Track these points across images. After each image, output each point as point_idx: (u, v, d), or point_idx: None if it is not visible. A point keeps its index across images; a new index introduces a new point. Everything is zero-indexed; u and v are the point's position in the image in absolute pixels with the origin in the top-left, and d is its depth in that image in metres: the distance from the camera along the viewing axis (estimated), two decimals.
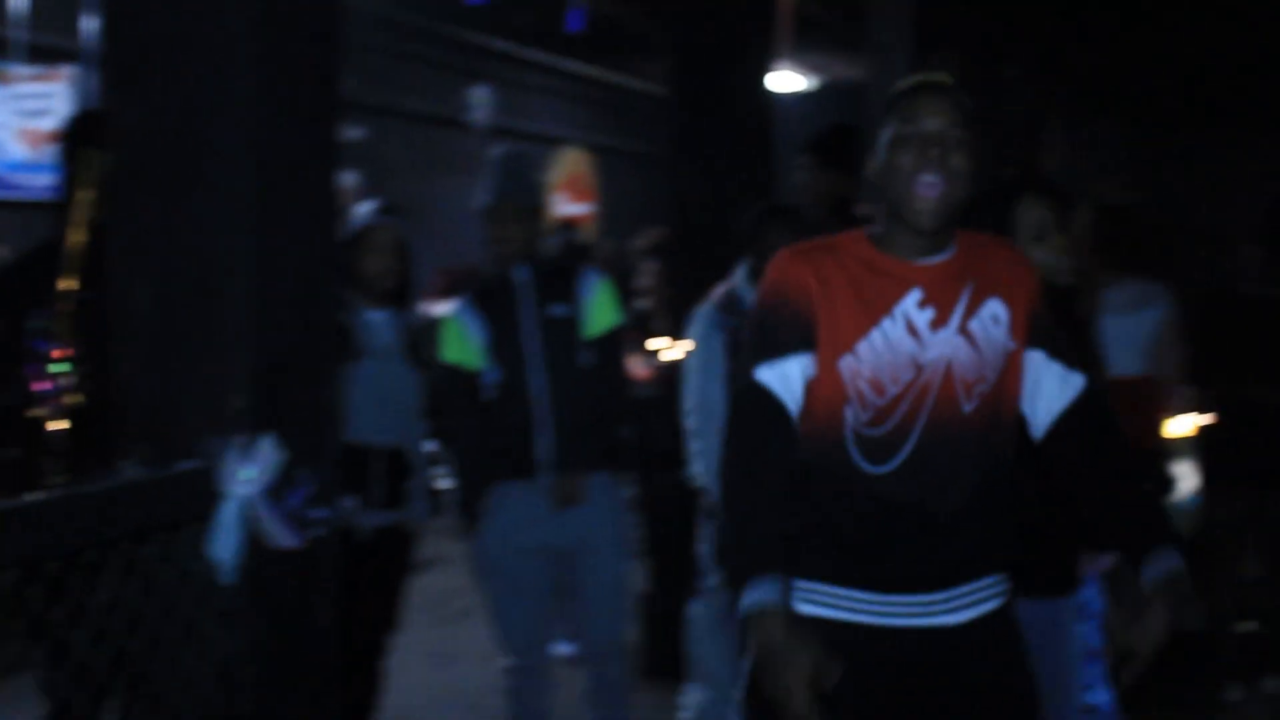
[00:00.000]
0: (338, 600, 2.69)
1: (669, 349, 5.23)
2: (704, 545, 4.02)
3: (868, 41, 8.14)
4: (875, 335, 2.21)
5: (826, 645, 2.06)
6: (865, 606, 2.24)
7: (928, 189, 2.19)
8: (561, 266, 3.83)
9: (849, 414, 2.21)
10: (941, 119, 2.21)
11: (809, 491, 2.24)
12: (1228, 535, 4.51)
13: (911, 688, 2.26)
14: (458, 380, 3.73)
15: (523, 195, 3.75)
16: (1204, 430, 4.42)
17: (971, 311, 2.25)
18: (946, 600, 2.24)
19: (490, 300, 3.74)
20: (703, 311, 3.95)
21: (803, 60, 11.40)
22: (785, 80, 10.15)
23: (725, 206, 5.06)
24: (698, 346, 3.90)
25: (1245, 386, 4.49)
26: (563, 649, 5.02)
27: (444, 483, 4.08)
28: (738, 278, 3.95)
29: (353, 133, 10.67)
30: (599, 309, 3.76)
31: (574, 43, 11.78)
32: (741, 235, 3.95)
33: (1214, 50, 9.83)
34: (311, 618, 2.60)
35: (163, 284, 2.53)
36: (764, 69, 5.35)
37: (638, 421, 4.62)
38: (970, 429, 2.23)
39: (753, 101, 5.24)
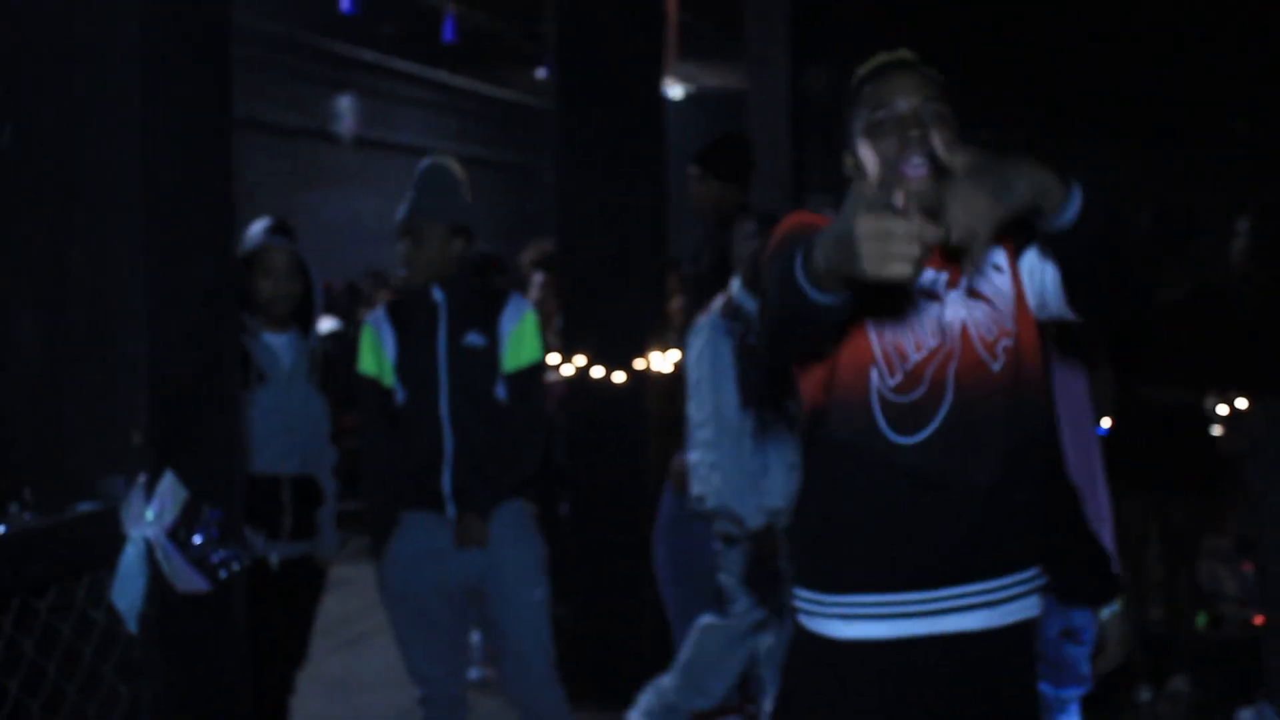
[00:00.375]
0: (248, 640, 2.55)
1: (559, 365, 5.14)
2: (726, 575, 3.93)
3: (745, 51, 8.16)
4: (897, 295, 2.10)
5: (874, 672, 2.03)
6: (911, 608, 2.08)
7: (916, 170, 2.05)
8: (483, 292, 3.64)
9: (875, 378, 2.10)
10: (915, 97, 2.09)
11: (838, 481, 2.13)
12: (1131, 539, 4.57)
13: (944, 702, 2.12)
14: (369, 394, 3.56)
15: (440, 211, 3.56)
16: (1106, 434, 4.46)
17: (978, 270, 2.14)
18: (992, 592, 2.09)
19: (406, 316, 3.56)
20: (706, 322, 3.88)
21: (676, 69, 11.40)
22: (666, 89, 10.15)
23: (616, 216, 4.99)
24: (704, 357, 3.83)
25: (1144, 390, 4.55)
26: (473, 675, 4.90)
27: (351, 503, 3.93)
28: (734, 287, 3.93)
29: None
30: (520, 343, 3.56)
31: (443, 53, 11.62)
32: (726, 248, 3.94)
33: (1098, 64, 10.05)
34: (222, 664, 2.45)
35: (49, 313, 2.36)
36: (654, 77, 5.29)
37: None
38: (1001, 390, 2.10)
39: (643, 109, 5.17)
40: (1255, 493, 4.54)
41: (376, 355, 3.54)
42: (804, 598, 2.19)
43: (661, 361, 4.96)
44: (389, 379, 3.53)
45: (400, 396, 3.52)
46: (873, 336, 2.11)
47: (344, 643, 5.83)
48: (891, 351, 2.09)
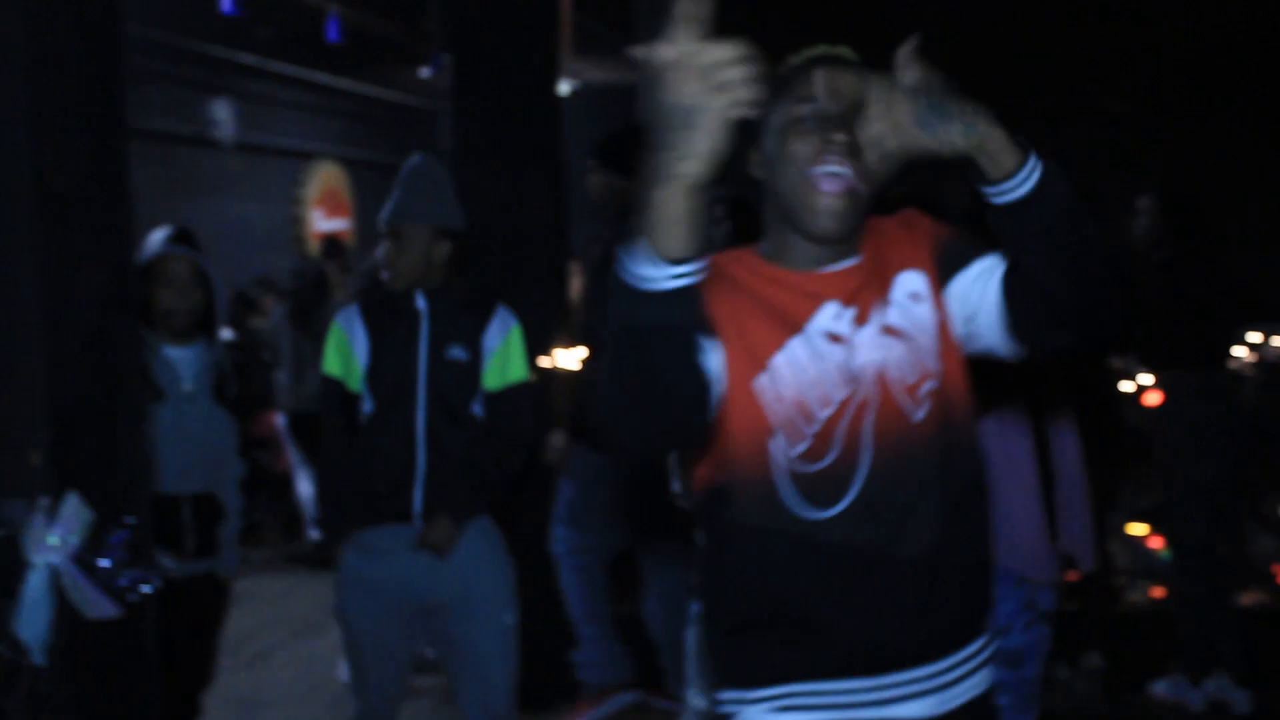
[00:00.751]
0: (158, 664, 2.45)
1: None
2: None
3: (636, 46, 8.11)
4: (795, 345, 1.80)
5: None
6: (850, 697, 1.81)
7: (831, 182, 1.78)
8: (469, 302, 3.38)
9: (776, 448, 1.78)
10: (848, 98, 1.79)
11: (752, 565, 1.81)
12: None
13: None
14: (333, 396, 3.32)
15: (424, 212, 3.33)
16: None
17: (887, 299, 1.85)
18: (938, 675, 1.83)
19: (383, 320, 3.32)
20: None
21: (567, 66, 11.35)
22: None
23: (513, 212, 4.93)
24: None
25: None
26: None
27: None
28: None
29: None
30: (506, 360, 3.34)
31: (325, 54, 11.44)
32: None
33: (976, 47, 10.19)
34: (134, 691, 2.36)
35: None
36: (550, 71, 5.24)
37: None
38: (926, 443, 1.80)
39: (540, 106, 5.12)
40: (1166, 468, 4.62)
41: (344, 357, 3.32)
42: (729, 699, 1.89)
43: (567, 359, 4.91)
44: (356, 384, 3.31)
45: (369, 406, 3.30)
46: (767, 397, 1.79)
47: (250, 659, 5.69)
48: (793, 413, 1.79)
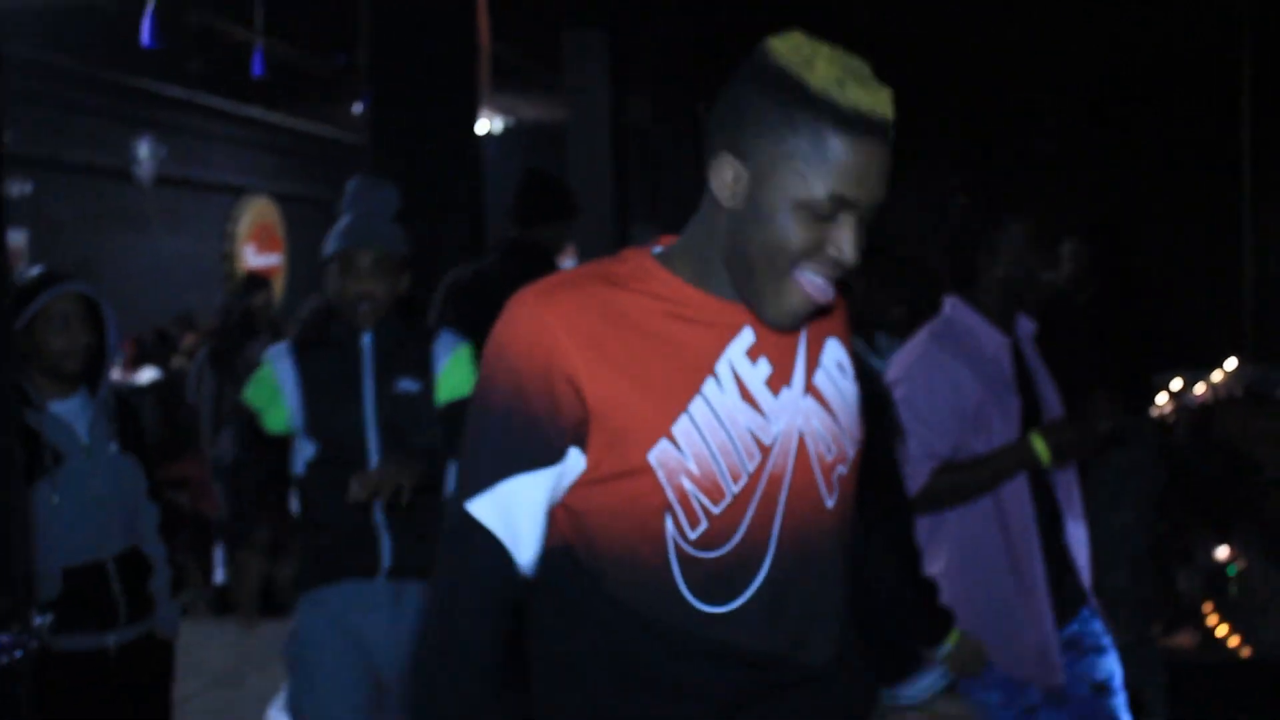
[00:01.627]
0: None
1: None
2: None
3: (564, 83, 8.10)
4: (698, 408, 1.48)
5: None
6: None
7: (815, 290, 1.48)
8: (412, 332, 3.15)
9: (671, 527, 1.48)
10: (883, 186, 1.47)
11: (621, 655, 1.52)
12: None
13: None
14: (246, 424, 3.12)
15: (383, 240, 3.07)
16: None
17: (814, 360, 1.58)
18: None
19: (319, 359, 3.08)
20: None
21: (495, 102, 11.30)
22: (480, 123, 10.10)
23: (433, 252, 4.85)
24: None
25: None
26: None
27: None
28: None
29: (16, 188, 9.90)
30: (453, 375, 3.09)
31: (256, 88, 11.31)
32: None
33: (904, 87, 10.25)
34: None
35: None
36: (470, 110, 5.18)
37: None
38: (834, 534, 1.57)
39: (459, 145, 5.06)
40: (1094, 510, 4.59)
41: (268, 394, 3.10)
42: None
43: None
44: (276, 424, 3.10)
45: (310, 451, 3.07)
46: (668, 469, 1.47)
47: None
48: (694, 490, 1.48)
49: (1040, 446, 2.72)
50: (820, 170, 1.43)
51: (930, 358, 2.83)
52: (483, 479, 1.49)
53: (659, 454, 1.47)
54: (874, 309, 3.98)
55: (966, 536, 2.81)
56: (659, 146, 11.70)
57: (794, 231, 1.44)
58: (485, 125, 12.15)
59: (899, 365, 2.89)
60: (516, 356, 1.47)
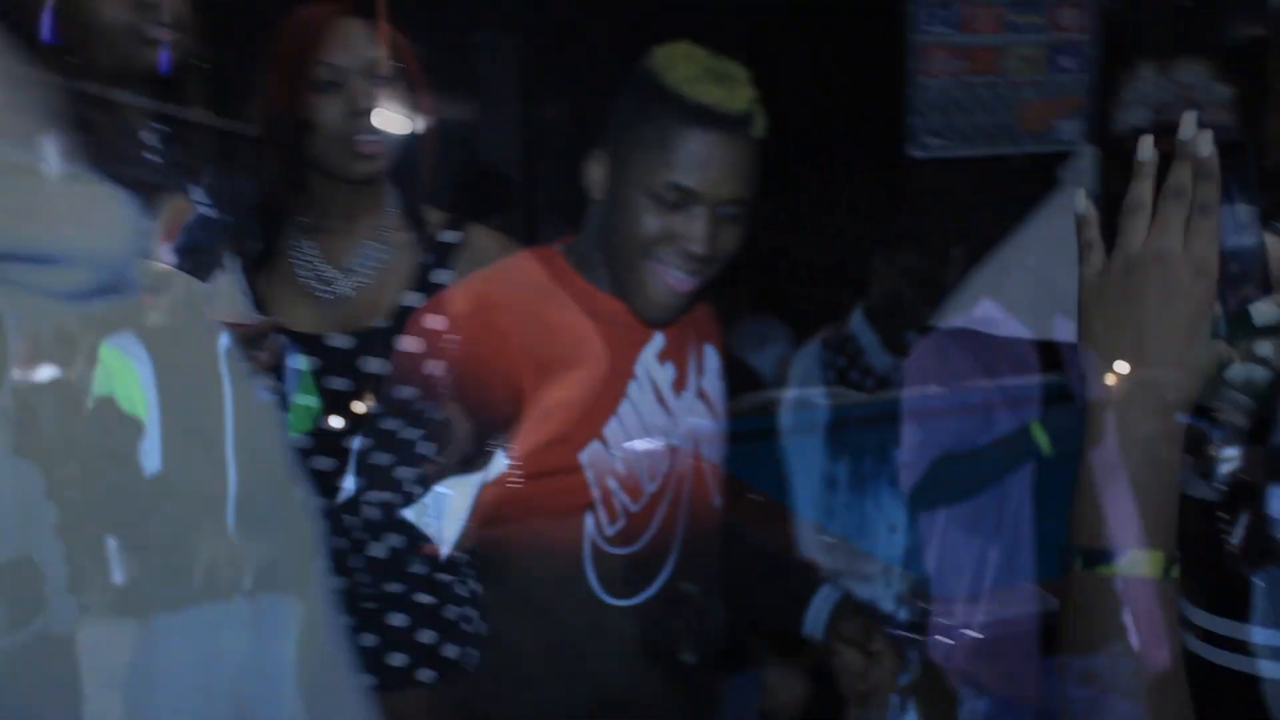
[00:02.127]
0: None
1: None
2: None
3: (476, 84, 8.02)
4: (626, 410, 1.53)
5: None
6: None
7: (677, 280, 1.52)
8: None
9: (590, 524, 1.52)
10: (735, 180, 1.52)
11: (527, 629, 1.55)
12: None
13: None
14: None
15: None
16: None
17: (701, 366, 1.63)
18: None
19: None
20: (807, 351, 3.43)
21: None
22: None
23: None
24: (794, 389, 3.38)
25: None
26: None
27: None
28: (854, 318, 3.44)
29: None
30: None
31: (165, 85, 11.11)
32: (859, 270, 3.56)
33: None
34: None
35: None
36: None
37: None
38: (719, 532, 1.63)
39: None
40: None
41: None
42: None
43: None
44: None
45: None
46: (596, 469, 1.51)
47: None
48: (617, 490, 1.53)
49: (1041, 437, 2.70)
50: (662, 160, 1.48)
51: (932, 347, 2.82)
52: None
53: (591, 455, 1.51)
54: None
55: (963, 531, 2.78)
56: (579, 147, 11.59)
57: (644, 220, 1.50)
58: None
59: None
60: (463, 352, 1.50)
